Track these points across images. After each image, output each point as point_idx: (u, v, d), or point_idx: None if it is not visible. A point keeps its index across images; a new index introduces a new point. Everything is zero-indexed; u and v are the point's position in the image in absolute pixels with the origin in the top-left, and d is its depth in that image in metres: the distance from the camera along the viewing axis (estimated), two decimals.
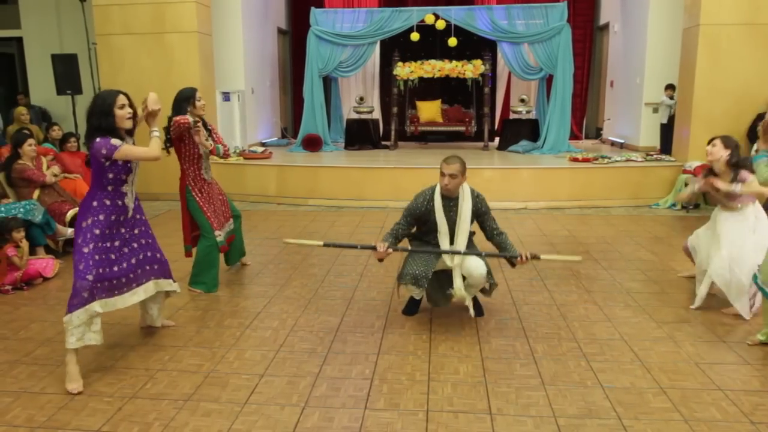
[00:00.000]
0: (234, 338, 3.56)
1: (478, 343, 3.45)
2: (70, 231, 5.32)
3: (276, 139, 11.63)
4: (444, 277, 3.78)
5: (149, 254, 3.38)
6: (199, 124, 4.19)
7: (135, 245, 3.30)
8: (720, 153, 3.83)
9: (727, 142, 3.84)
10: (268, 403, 2.82)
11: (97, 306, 3.02)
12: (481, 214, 3.71)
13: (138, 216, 3.34)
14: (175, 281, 3.61)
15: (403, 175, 7.67)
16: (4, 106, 10.31)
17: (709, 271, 3.87)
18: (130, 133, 3.18)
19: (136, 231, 3.32)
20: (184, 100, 4.17)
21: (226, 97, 9.44)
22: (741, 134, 7.33)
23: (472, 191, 3.69)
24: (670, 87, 8.95)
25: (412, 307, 3.93)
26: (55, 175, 5.64)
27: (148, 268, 3.38)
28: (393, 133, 10.40)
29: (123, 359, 3.28)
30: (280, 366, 3.19)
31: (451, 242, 3.66)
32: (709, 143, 3.92)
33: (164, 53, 8.04)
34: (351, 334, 3.61)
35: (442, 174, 3.57)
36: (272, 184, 8.10)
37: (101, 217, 3.09)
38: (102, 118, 3.01)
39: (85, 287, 2.97)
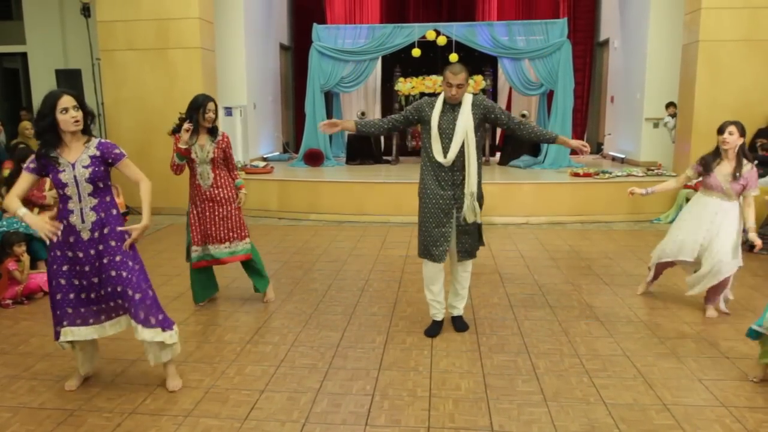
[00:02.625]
0: (234, 353, 3.54)
1: (479, 359, 3.43)
2: None
3: (278, 153, 11.67)
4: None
5: (119, 290, 2.91)
6: (186, 132, 4.05)
7: (103, 276, 2.90)
8: (736, 141, 3.89)
9: (742, 129, 3.91)
10: (268, 419, 2.80)
11: (67, 333, 2.95)
12: (489, 113, 3.58)
13: (103, 246, 2.89)
14: (151, 326, 2.94)
15: (405, 190, 7.68)
16: (8, 121, 10.36)
17: (717, 258, 3.92)
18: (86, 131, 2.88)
19: (97, 263, 2.90)
20: (195, 108, 4.08)
21: (229, 111, 9.50)
22: None
23: (474, 95, 3.59)
24: (671, 105, 8.96)
25: (433, 329, 3.81)
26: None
27: (113, 304, 2.98)
28: (394, 148, 10.44)
29: (122, 375, 3.27)
30: (280, 382, 3.18)
31: (446, 151, 3.53)
32: (722, 130, 3.91)
33: (167, 69, 8.11)
34: (352, 350, 3.60)
35: (449, 84, 3.47)
36: (274, 198, 8.11)
37: (56, 238, 2.85)
38: (41, 120, 2.77)
39: (54, 308, 2.95)
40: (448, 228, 3.60)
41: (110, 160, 2.92)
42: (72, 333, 2.96)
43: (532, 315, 4.18)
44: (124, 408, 2.90)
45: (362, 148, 10.40)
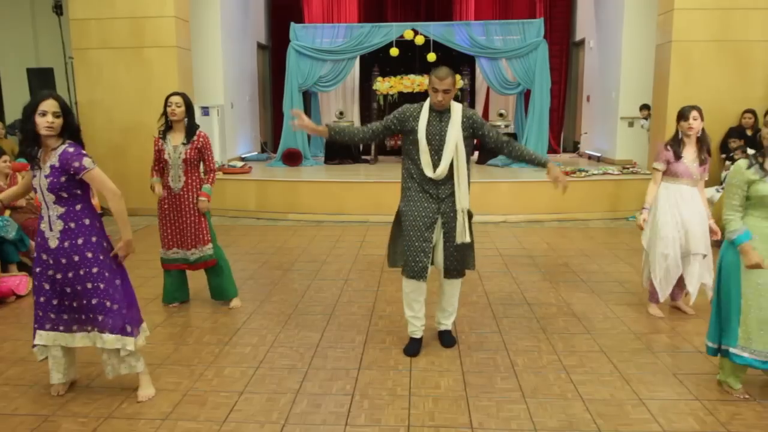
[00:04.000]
0: (213, 355, 3.51)
1: (458, 357, 3.45)
2: None
3: (256, 153, 11.58)
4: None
5: (93, 302, 2.84)
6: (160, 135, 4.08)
7: (78, 288, 2.82)
8: (700, 125, 3.89)
9: (702, 113, 3.90)
10: (247, 420, 2.78)
11: (41, 337, 2.92)
12: (477, 128, 3.37)
13: (78, 257, 2.80)
14: (126, 334, 2.87)
15: (384, 190, 7.68)
16: None
17: (700, 249, 3.92)
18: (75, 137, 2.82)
19: (70, 274, 2.80)
20: (165, 105, 4.04)
21: (205, 111, 9.40)
22: (714, 147, 7.48)
23: (463, 107, 3.39)
24: (645, 107, 9.11)
25: (413, 347, 3.54)
26: (30, 199, 5.55)
27: (84, 317, 2.90)
28: (373, 147, 10.43)
29: (98, 378, 3.21)
30: (259, 383, 3.16)
31: (435, 164, 3.31)
32: (686, 116, 3.87)
33: (143, 68, 7.99)
34: (331, 350, 3.59)
35: (435, 90, 3.25)
36: (252, 198, 8.05)
37: (38, 239, 2.87)
38: (22, 122, 2.72)
39: (35, 310, 2.92)
40: (429, 244, 3.36)
41: (72, 172, 2.73)
42: (41, 337, 2.93)
43: (511, 313, 4.21)
44: (99, 412, 2.85)
45: (341, 148, 10.37)
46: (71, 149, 2.75)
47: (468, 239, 3.36)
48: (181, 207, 4.13)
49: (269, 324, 4.02)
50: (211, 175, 4.20)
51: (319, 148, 11.15)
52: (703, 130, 3.91)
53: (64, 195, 2.78)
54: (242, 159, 10.47)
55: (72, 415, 2.83)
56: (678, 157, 3.93)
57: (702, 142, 3.93)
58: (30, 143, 2.76)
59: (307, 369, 3.32)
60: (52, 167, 2.74)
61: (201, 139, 4.10)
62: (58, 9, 8.39)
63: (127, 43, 7.99)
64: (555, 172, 3.38)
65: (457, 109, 3.35)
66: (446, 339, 3.66)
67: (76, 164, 2.73)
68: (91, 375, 3.25)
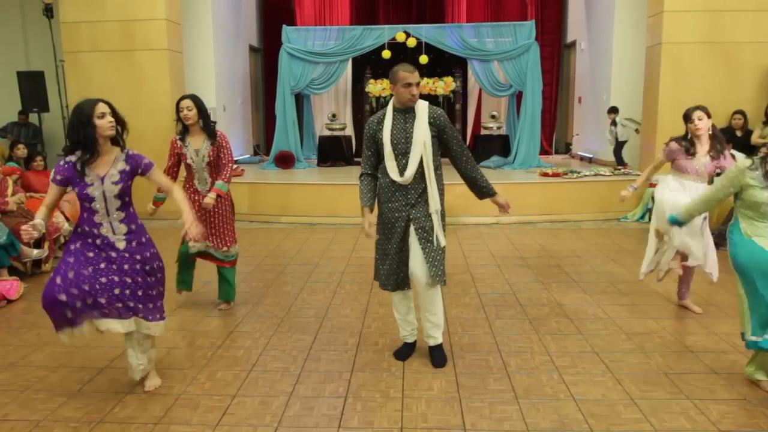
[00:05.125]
0: (205, 359, 3.50)
1: (451, 359, 3.45)
2: (35, 252, 5.21)
3: (248, 156, 11.57)
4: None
5: (140, 294, 2.94)
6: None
7: (128, 279, 2.90)
8: (707, 124, 3.90)
9: (708, 111, 3.90)
10: (240, 424, 2.77)
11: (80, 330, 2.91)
12: (441, 129, 3.19)
13: (140, 255, 2.92)
14: (157, 320, 3.02)
15: None
16: None
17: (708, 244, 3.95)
18: (116, 142, 2.87)
19: (141, 266, 2.93)
20: (176, 107, 4.05)
21: None
22: None
23: (430, 106, 3.22)
24: (612, 110, 9.19)
25: (403, 351, 3.48)
26: (21, 203, 5.53)
27: (121, 305, 2.93)
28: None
29: (90, 383, 3.20)
30: (252, 386, 3.15)
31: (402, 168, 3.17)
32: (690, 117, 3.88)
33: (134, 71, 7.96)
34: (324, 352, 3.59)
35: (409, 84, 3.10)
36: (244, 201, 8.03)
37: (77, 245, 2.88)
38: (81, 129, 2.73)
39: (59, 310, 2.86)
40: (405, 252, 3.23)
41: (140, 171, 2.90)
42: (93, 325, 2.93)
43: (503, 314, 4.22)
44: (91, 417, 2.84)
45: (333, 150, 10.40)
46: (131, 152, 2.91)
47: (443, 242, 3.22)
48: (210, 210, 4.10)
49: (262, 327, 4.01)
50: (224, 170, 4.09)
51: (311, 150, 11.15)
52: (713, 126, 3.92)
53: (126, 199, 2.90)
54: (235, 162, 10.44)
55: (64, 420, 2.81)
56: (690, 154, 3.93)
57: (714, 138, 3.92)
58: (91, 150, 2.76)
59: (300, 372, 3.32)
60: (121, 173, 2.83)
61: (220, 140, 4.10)
62: (49, 12, 8.35)
63: (118, 46, 7.96)
64: (501, 202, 3.48)
65: (422, 107, 3.19)
66: (435, 357, 3.38)
67: (146, 161, 2.92)
68: (83, 379, 3.23)
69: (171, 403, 2.97)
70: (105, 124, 2.75)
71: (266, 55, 12.76)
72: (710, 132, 3.91)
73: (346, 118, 12.11)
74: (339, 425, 2.75)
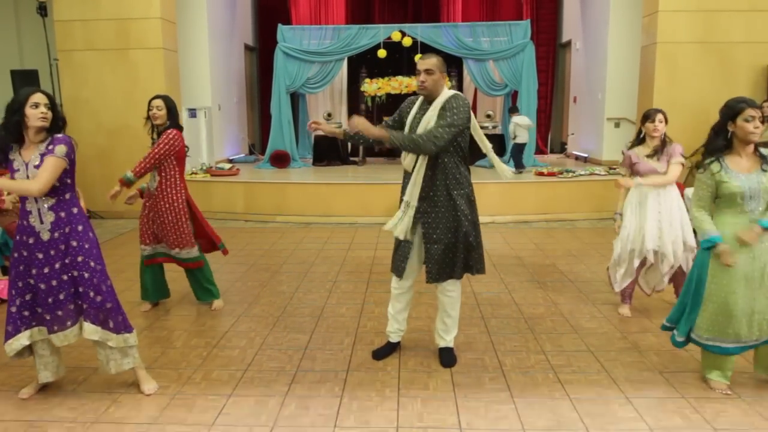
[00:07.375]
0: (201, 358, 3.49)
1: None
2: None
3: (243, 155, 11.55)
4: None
5: (80, 290, 2.85)
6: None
7: (64, 277, 2.82)
8: (664, 129, 3.95)
9: (667, 117, 3.96)
10: (236, 423, 2.77)
11: (24, 338, 2.88)
12: (443, 109, 3.08)
13: (65, 246, 2.81)
14: (108, 329, 2.92)
15: (372, 191, 7.69)
16: None
17: (664, 249, 3.93)
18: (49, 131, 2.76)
19: (57, 264, 2.81)
20: (148, 105, 4.04)
21: (193, 113, 9.36)
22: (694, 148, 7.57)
23: (455, 94, 3.15)
24: (513, 110, 9.27)
25: (381, 351, 3.49)
26: (17, 202, 5.49)
27: (73, 307, 2.88)
28: (361, 149, 10.44)
29: (85, 383, 3.19)
30: (248, 386, 3.14)
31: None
32: (652, 118, 3.92)
33: (129, 70, 7.94)
34: (320, 352, 3.58)
35: (418, 72, 3.12)
36: (240, 201, 8.03)
37: (17, 237, 2.83)
38: (9, 115, 2.69)
39: (9, 319, 2.87)
40: (409, 243, 3.22)
41: (45, 152, 2.73)
42: (18, 339, 2.89)
43: (499, 313, 4.23)
44: (86, 417, 2.83)
45: (329, 150, 10.38)
46: (58, 135, 2.77)
47: (401, 237, 3.19)
48: (158, 207, 4.10)
49: (257, 326, 4.01)
50: (140, 163, 3.94)
51: (307, 149, 11.14)
52: (666, 134, 3.97)
53: (56, 183, 2.75)
54: (230, 161, 10.44)
55: (58, 420, 2.80)
56: (638, 159, 3.98)
57: (662, 143, 3.96)
58: (12, 138, 2.73)
59: (296, 371, 3.31)
60: (42, 155, 2.73)
61: (165, 137, 3.96)
62: (43, 10, 8.30)
63: (112, 44, 7.93)
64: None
65: (443, 97, 3.12)
66: (444, 357, 3.38)
67: (51, 147, 2.73)
68: (77, 379, 3.22)
69: (166, 403, 2.96)
70: (35, 114, 2.68)
71: (261, 54, 12.74)
72: (662, 138, 3.95)
73: (342, 117, 12.09)
74: (335, 424, 2.75)
